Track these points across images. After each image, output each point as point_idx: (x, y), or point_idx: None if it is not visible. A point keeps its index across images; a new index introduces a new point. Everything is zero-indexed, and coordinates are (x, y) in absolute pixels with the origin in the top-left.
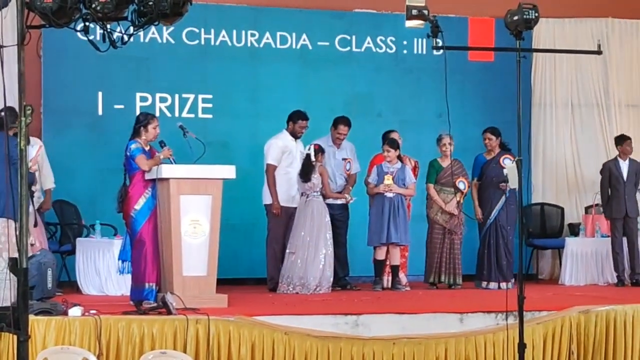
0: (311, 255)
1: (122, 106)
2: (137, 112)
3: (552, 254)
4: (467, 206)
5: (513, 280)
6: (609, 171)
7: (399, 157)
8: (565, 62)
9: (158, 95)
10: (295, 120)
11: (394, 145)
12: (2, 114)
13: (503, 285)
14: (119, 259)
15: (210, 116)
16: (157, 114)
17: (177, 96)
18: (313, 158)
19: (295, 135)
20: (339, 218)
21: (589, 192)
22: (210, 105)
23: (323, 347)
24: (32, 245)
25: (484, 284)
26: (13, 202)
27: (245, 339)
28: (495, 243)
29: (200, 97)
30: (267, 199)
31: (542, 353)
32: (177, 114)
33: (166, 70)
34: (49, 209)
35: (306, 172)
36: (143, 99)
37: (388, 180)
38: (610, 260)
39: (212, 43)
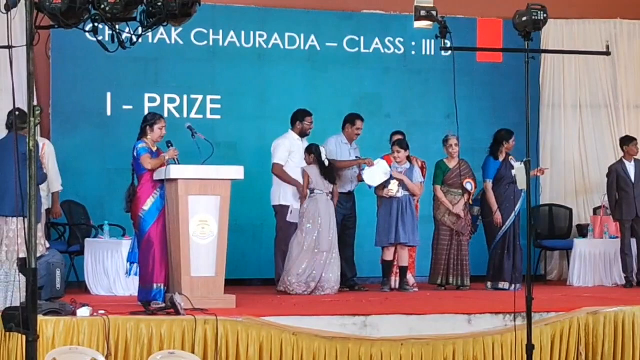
0: (333, 255)
1: (130, 107)
2: (146, 113)
3: (560, 255)
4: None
5: (522, 282)
6: (616, 174)
7: (408, 158)
8: (573, 63)
9: (166, 95)
10: (302, 119)
11: (404, 145)
12: (12, 116)
13: (518, 286)
14: (127, 261)
15: (218, 117)
16: (166, 114)
17: (185, 97)
18: (325, 160)
19: (304, 134)
20: (348, 219)
21: (598, 193)
22: (219, 106)
23: (331, 347)
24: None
25: (502, 284)
26: (23, 201)
27: (254, 340)
28: (514, 244)
29: (208, 98)
30: (275, 200)
31: (550, 354)
32: (185, 115)
33: (175, 71)
34: (59, 213)
35: (332, 174)
36: (152, 100)
37: (392, 186)
38: (619, 262)
39: (221, 44)
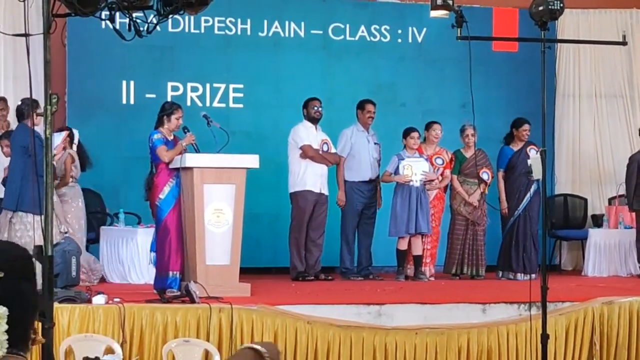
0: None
1: (153, 95)
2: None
3: (575, 245)
4: (490, 197)
5: (537, 271)
6: (637, 164)
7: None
8: (589, 53)
9: (189, 84)
10: (307, 104)
11: (418, 133)
12: (23, 105)
13: (532, 276)
14: (150, 251)
15: (240, 106)
16: (188, 103)
17: (207, 85)
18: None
19: (313, 119)
20: (369, 207)
21: (613, 183)
22: (240, 95)
23: (345, 336)
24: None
25: (512, 275)
26: (39, 194)
27: (268, 328)
28: (524, 234)
29: (231, 87)
30: (292, 188)
31: (565, 344)
32: (208, 104)
33: (191, 60)
34: None
35: (84, 159)
36: (174, 88)
37: (407, 169)
38: (633, 252)
39: (237, 32)
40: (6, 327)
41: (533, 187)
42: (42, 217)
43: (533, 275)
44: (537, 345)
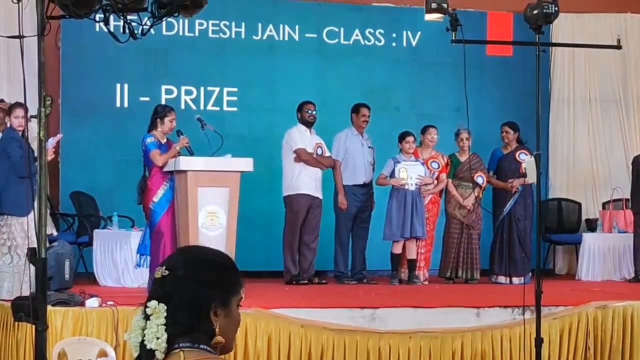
0: None
1: (147, 98)
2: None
3: (569, 249)
4: (485, 201)
5: (530, 275)
6: (637, 165)
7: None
8: (583, 57)
9: (183, 87)
10: (301, 108)
11: (413, 136)
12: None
13: (515, 280)
14: (137, 253)
15: (235, 109)
16: (182, 106)
17: (202, 89)
18: None
19: (307, 123)
20: (363, 211)
21: (607, 188)
22: (235, 98)
23: (339, 340)
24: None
25: (493, 277)
26: (30, 198)
27: (262, 332)
28: (509, 237)
29: (225, 90)
30: (286, 191)
31: (559, 348)
32: (202, 107)
33: (185, 63)
34: None
35: None
36: (168, 92)
37: (403, 173)
38: (627, 256)
39: (231, 36)
40: (164, 321)
41: (518, 193)
42: (27, 219)
43: (520, 279)
44: (531, 350)
